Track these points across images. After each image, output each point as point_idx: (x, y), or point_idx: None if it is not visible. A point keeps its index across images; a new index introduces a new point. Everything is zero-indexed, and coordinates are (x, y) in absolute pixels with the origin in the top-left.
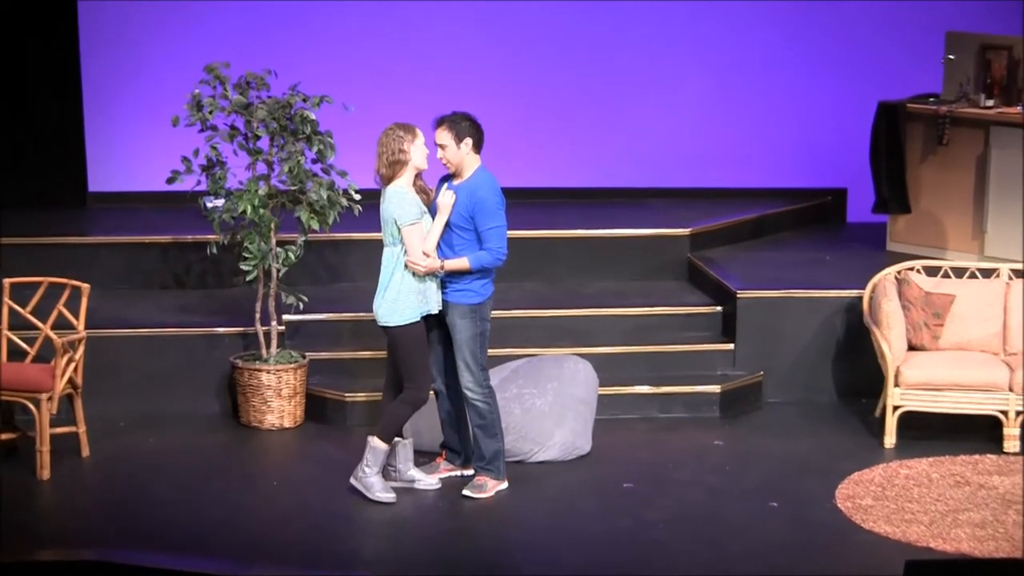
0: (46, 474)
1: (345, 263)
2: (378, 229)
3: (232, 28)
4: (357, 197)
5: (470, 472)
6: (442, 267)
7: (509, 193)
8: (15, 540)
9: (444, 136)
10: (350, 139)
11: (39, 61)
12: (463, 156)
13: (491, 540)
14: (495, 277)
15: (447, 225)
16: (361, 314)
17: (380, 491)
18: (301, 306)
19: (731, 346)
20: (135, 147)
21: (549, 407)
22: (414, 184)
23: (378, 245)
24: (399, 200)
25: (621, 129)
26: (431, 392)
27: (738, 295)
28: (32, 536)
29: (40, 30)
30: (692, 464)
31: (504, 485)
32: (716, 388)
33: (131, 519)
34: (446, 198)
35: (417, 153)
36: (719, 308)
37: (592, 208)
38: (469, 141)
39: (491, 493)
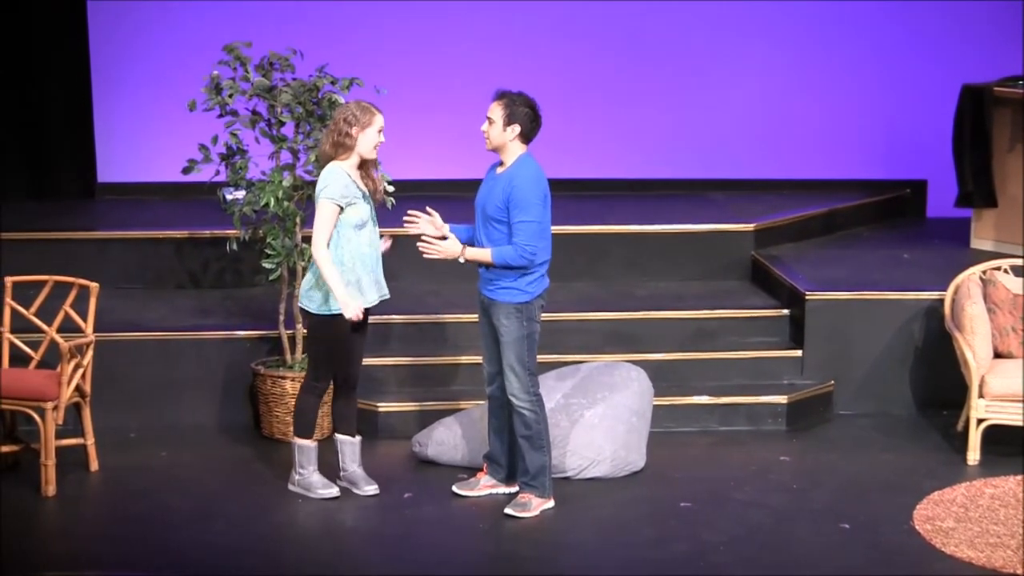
0: (51, 490)
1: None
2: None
3: (254, 4)
4: (390, 189)
5: (513, 489)
6: (462, 255)
7: (559, 185)
8: (17, 562)
9: (495, 111)
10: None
11: (44, 42)
12: (506, 140)
13: (535, 565)
14: (548, 272)
15: (485, 216)
16: (393, 316)
17: (321, 488)
18: None
19: (799, 353)
20: (148, 134)
21: (599, 419)
22: (361, 173)
23: (412, 241)
24: (327, 175)
25: (680, 116)
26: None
27: (807, 297)
28: (36, 558)
29: (46, 7)
30: (755, 482)
31: (550, 504)
32: (782, 398)
33: (142, 539)
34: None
35: (365, 141)
36: (786, 311)
37: (648, 201)
38: (517, 128)
39: (535, 512)
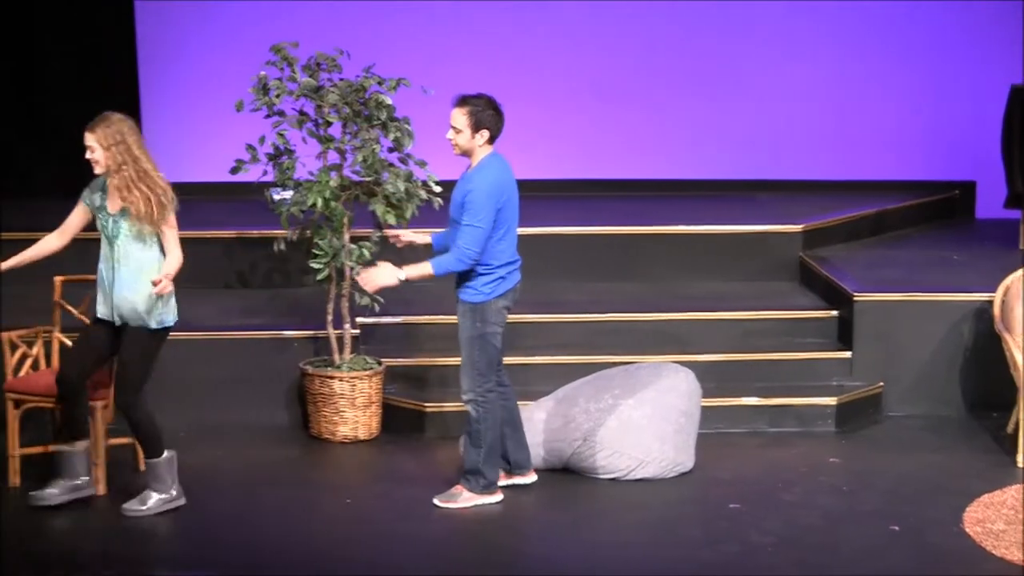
0: (101, 489)
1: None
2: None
3: (301, 5)
4: (438, 189)
5: (529, 479)
6: (406, 279)
7: (603, 186)
8: (66, 560)
9: (460, 119)
10: (429, 126)
11: (92, 43)
12: (475, 146)
13: (584, 566)
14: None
15: (451, 220)
16: (441, 317)
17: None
18: (377, 308)
19: (848, 354)
20: (196, 134)
21: (648, 420)
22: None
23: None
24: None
25: (726, 116)
26: None
27: (855, 298)
28: (85, 556)
29: (93, 9)
30: (805, 483)
31: (486, 500)
32: (831, 400)
33: (190, 538)
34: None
35: None
36: (834, 312)
37: (695, 202)
38: (486, 133)
39: (463, 505)
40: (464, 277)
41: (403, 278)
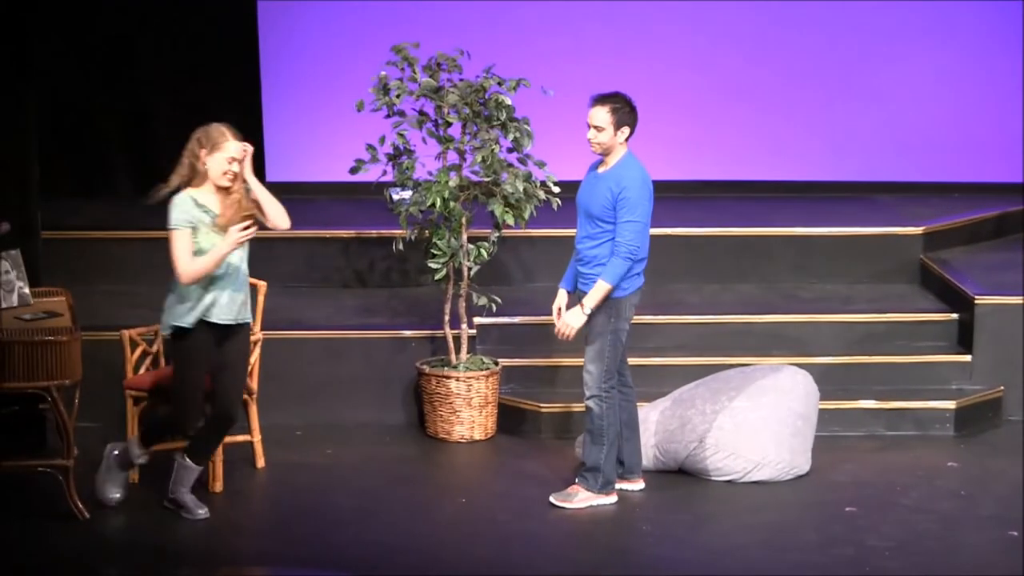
0: (219, 486)
1: (542, 261)
2: (574, 224)
3: (422, 5)
4: (556, 190)
5: (638, 486)
6: (584, 311)
7: (721, 187)
8: (186, 556)
9: (602, 118)
10: (549, 126)
11: (214, 42)
12: (616, 144)
13: (696, 568)
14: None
15: (589, 214)
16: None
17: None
18: (494, 308)
19: (968, 357)
20: (317, 134)
21: (764, 422)
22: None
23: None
24: (172, 205)
25: (845, 116)
26: None
27: (976, 301)
28: (203, 552)
29: (217, 7)
30: (922, 487)
31: (602, 500)
32: (950, 404)
33: (307, 536)
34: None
35: (215, 166)
36: (955, 315)
37: (814, 204)
38: (627, 130)
39: (580, 505)
40: (595, 274)
41: (588, 312)
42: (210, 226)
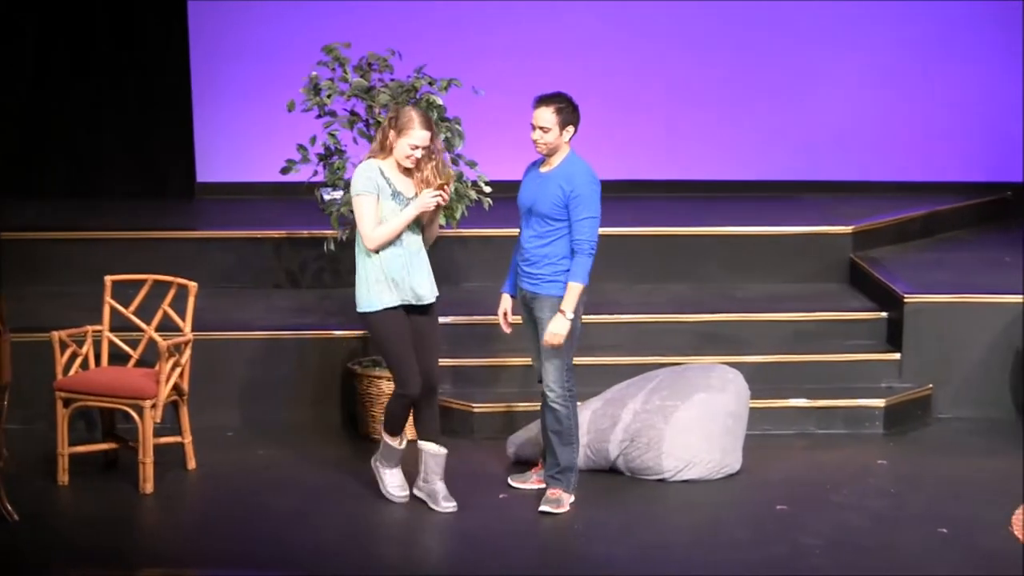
0: (149, 487)
1: (474, 262)
2: (509, 224)
3: (354, 5)
4: (488, 190)
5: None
6: (572, 315)
7: (652, 187)
8: (117, 558)
9: (548, 118)
10: (480, 126)
11: (145, 42)
12: (561, 143)
13: (630, 567)
14: (639, 274)
15: (537, 214)
16: (492, 317)
17: (392, 487)
18: None
19: (897, 356)
20: (248, 134)
21: (695, 421)
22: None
23: (510, 241)
24: (357, 172)
25: (774, 116)
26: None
27: (906, 300)
28: (134, 554)
29: (148, 8)
30: (853, 485)
31: (572, 499)
32: (880, 402)
33: (239, 537)
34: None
35: (399, 148)
36: (884, 314)
37: (744, 203)
38: (571, 130)
39: (567, 507)
40: (545, 272)
41: (571, 317)
42: (390, 197)
